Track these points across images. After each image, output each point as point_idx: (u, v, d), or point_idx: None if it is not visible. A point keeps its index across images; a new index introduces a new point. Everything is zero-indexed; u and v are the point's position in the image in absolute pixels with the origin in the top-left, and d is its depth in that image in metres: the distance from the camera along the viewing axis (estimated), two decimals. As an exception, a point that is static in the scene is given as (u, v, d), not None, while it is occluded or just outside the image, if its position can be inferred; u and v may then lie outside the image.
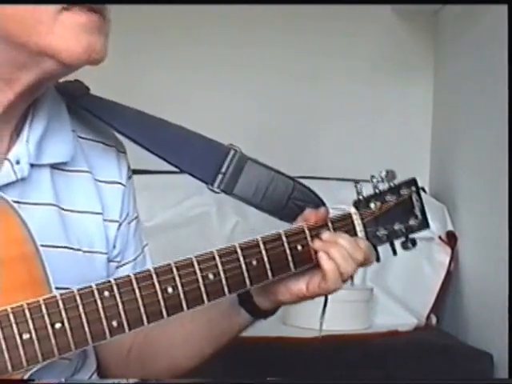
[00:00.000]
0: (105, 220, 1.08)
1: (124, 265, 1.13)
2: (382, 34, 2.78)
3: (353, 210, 1.12)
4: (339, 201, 2.47)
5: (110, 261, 1.09)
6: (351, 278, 1.05)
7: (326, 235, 1.06)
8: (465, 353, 2.13)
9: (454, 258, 2.41)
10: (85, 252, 1.04)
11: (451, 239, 2.43)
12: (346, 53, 2.75)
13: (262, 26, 2.71)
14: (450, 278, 2.41)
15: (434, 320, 2.39)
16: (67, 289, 0.88)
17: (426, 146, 2.81)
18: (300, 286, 1.06)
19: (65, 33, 0.91)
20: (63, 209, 1.02)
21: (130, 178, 1.14)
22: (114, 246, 1.10)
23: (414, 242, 1.15)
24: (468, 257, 2.40)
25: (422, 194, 2.86)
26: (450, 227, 2.46)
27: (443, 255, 2.40)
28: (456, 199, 2.50)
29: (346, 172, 2.67)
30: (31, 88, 0.96)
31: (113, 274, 1.10)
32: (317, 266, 1.05)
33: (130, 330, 0.89)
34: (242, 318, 1.10)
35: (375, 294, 2.27)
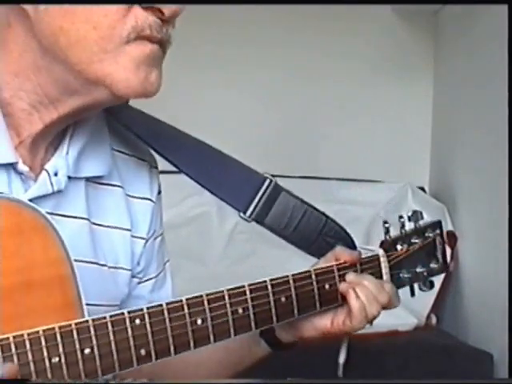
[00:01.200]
0: (132, 236, 1.07)
1: (146, 281, 1.12)
2: (382, 34, 2.79)
3: (381, 253, 1.11)
4: (339, 200, 2.50)
5: (132, 276, 1.08)
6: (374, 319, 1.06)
7: (351, 277, 1.06)
8: (465, 353, 2.13)
9: (453, 258, 2.41)
10: (110, 268, 1.03)
11: (451, 239, 2.43)
12: (345, 53, 2.75)
13: (261, 27, 2.71)
14: (450, 278, 2.42)
15: (434, 320, 2.39)
16: (92, 305, 0.88)
17: (426, 146, 2.81)
18: (324, 322, 1.06)
19: (128, 64, 0.89)
20: (93, 223, 1.01)
21: (159, 193, 1.14)
22: (139, 263, 1.09)
23: (431, 284, 1.18)
24: (468, 257, 2.40)
25: (422, 193, 2.85)
26: (450, 227, 2.46)
27: (443, 255, 2.40)
28: (456, 199, 2.51)
29: (346, 172, 2.68)
30: (76, 112, 0.95)
31: (134, 289, 1.09)
32: (341, 304, 1.06)
33: (156, 359, 0.89)
34: (261, 349, 1.10)
35: (375, 294, 2.27)
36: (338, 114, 2.77)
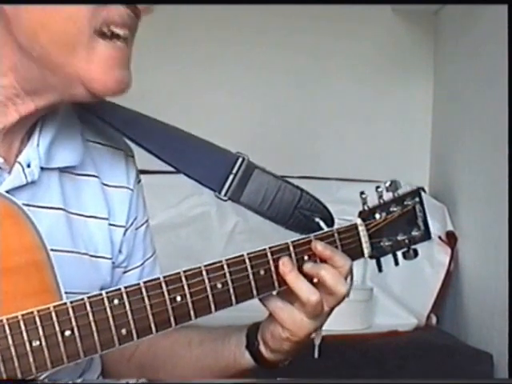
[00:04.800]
0: (110, 225, 1.07)
1: (131, 270, 1.12)
2: (382, 34, 2.79)
3: (359, 221, 1.11)
4: (339, 200, 2.50)
5: (116, 266, 1.09)
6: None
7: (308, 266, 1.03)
8: (465, 353, 2.13)
9: (453, 257, 2.41)
10: (91, 256, 1.03)
11: (451, 239, 2.43)
12: (346, 53, 2.75)
13: (261, 27, 2.71)
14: (450, 278, 2.42)
15: (434, 320, 2.39)
16: (73, 293, 0.88)
17: (426, 146, 2.81)
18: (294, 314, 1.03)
19: (102, 65, 0.92)
20: (70, 212, 1.02)
21: (138, 182, 1.14)
22: (121, 251, 1.10)
23: (415, 253, 1.15)
24: (468, 257, 2.40)
25: (422, 193, 2.85)
26: (449, 227, 2.46)
27: (443, 255, 2.40)
28: (456, 199, 2.50)
29: (346, 172, 2.67)
30: (53, 105, 0.97)
31: (119, 279, 1.10)
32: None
33: (138, 338, 0.89)
34: (246, 362, 1.09)
35: (375, 294, 2.27)
36: (338, 114, 2.77)
